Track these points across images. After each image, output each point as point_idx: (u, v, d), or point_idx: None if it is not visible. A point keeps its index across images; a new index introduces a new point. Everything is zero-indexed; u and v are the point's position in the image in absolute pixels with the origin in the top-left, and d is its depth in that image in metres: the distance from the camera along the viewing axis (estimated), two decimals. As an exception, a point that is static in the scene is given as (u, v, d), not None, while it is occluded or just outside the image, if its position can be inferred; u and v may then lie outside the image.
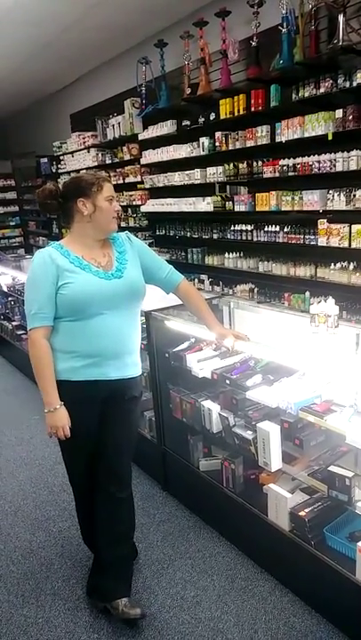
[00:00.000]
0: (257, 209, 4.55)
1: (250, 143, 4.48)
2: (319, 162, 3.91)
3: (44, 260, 2.02)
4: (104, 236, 2.13)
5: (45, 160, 8.85)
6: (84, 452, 2.19)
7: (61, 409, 2.03)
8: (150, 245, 5.22)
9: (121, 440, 2.19)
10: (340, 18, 3.51)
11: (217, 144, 4.82)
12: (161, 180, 5.83)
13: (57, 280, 1.99)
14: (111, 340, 2.05)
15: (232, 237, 4.94)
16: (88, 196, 2.03)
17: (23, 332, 5.29)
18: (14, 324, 5.62)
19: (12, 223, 10.87)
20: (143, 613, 2.18)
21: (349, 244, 3.79)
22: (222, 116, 4.69)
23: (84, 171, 6.51)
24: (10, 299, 5.84)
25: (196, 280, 5.44)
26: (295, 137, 4.01)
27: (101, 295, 2.00)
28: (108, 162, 6.93)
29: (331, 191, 3.87)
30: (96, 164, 7.11)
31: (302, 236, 4.18)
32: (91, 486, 2.23)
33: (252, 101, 4.33)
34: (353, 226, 3.76)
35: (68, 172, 7.90)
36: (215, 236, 5.19)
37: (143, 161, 6.07)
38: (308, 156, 3.99)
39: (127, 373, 2.13)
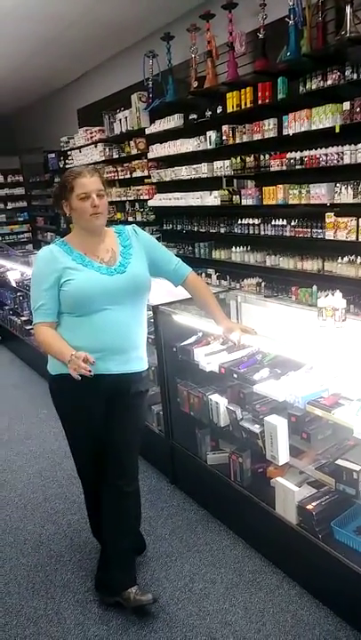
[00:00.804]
0: (264, 202, 4.53)
1: (257, 136, 4.46)
2: (327, 155, 3.89)
3: (46, 257, 2.05)
4: (95, 233, 2.10)
5: (53, 155, 8.86)
6: (89, 446, 2.21)
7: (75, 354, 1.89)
8: (157, 240, 5.22)
9: (127, 434, 2.20)
10: (348, 9, 3.49)
11: (224, 137, 4.81)
12: (168, 174, 5.82)
13: (59, 277, 2.00)
14: (115, 335, 2.05)
15: (239, 231, 4.93)
16: (66, 198, 2.04)
17: (32, 326, 5.30)
18: (23, 318, 5.65)
19: (20, 219, 10.91)
20: (155, 598, 2.21)
21: (357, 238, 3.78)
22: (229, 110, 4.67)
23: (92, 165, 6.49)
24: (18, 294, 5.87)
25: (204, 274, 5.44)
26: (302, 130, 3.99)
27: (103, 291, 2.01)
28: (116, 156, 6.93)
29: (338, 184, 3.84)
30: (103, 158, 7.12)
31: (310, 230, 4.17)
32: (98, 479, 2.25)
33: (260, 94, 4.32)
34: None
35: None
36: (222, 230, 5.18)
37: (150, 155, 6.07)
38: (316, 149, 3.97)
39: (131, 368, 2.13)
